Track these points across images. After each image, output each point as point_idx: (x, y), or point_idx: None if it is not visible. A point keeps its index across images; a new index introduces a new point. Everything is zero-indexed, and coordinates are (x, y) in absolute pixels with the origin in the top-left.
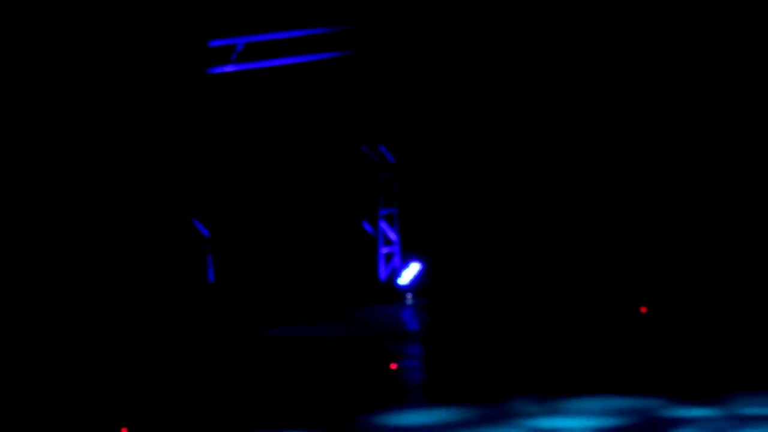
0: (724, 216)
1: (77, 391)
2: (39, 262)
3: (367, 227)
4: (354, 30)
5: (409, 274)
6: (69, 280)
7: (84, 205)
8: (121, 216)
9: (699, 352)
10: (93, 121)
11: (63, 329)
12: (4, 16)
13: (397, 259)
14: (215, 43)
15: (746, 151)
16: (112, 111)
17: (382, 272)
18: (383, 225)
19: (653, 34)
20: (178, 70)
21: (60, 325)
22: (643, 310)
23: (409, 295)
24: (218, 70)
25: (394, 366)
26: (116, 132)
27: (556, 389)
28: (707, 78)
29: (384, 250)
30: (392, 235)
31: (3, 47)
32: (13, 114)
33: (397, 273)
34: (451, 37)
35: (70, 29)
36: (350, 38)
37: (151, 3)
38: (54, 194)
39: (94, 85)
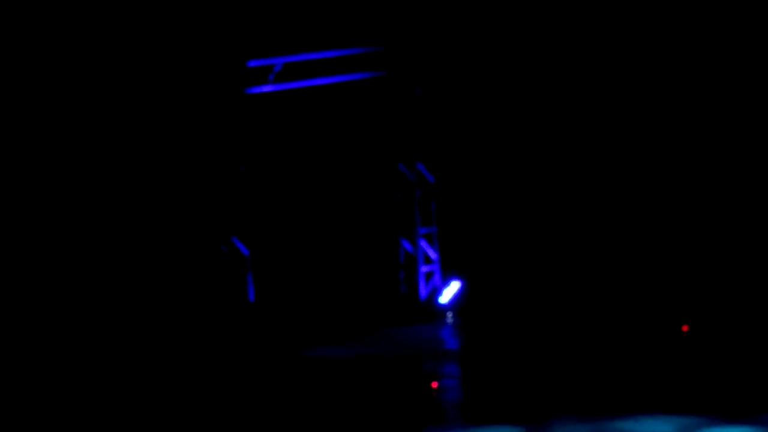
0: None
1: (117, 406)
2: (83, 282)
3: (407, 246)
4: (391, 50)
5: (449, 292)
6: (112, 300)
7: (126, 225)
8: (163, 235)
9: (738, 370)
10: (134, 142)
11: (106, 347)
12: (37, 47)
13: (437, 278)
14: (253, 63)
15: None
16: (152, 131)
17: (423, 291)
18: (423, 244)
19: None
20: (218, 90)
21: (103, 343)
22: (685, 329)
23: (449, 314)
24: (256, 90)
25: (434, 385)
26: (157, 152)
27: (597, 409)
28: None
29: (424, 269)
30: (432, 254)
31: (34, 76)
32: (53, 136)
33: (437, 292)
34: (488, 57)
35: (111, 48)
36: (387, 58)
37: (192, 24)
38: (96, 214)
39: (134, 105)
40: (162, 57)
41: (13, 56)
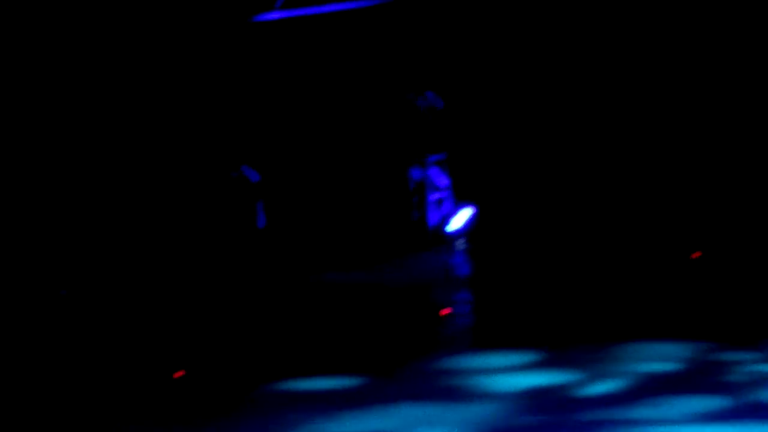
0: None
1: (129, 335)
2: (94, 210)
3: (417, 173)
4: None
5: (459, 220)
6: (121, 227)
7: (133, 152)
8: (172, 163)
9: (749, 295)
10: (139, 70)
11: (114, 274)
12: None
13: (447, 205)
14: None
15: None
16: (157, 61)
17: (433, 218)
18: (433, 170)
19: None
20: (223, 18)
21: (111, 271)
22: (696, 255)
23: (459, 241)
24: (263, 17)
25: (444, 311)
26: (163, 81)
27: (609, 335)
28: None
29: (434, 196)
30: (442, 181)
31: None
32: (70, 70)
33: (447, 218)
34: None
35: None
36: None
37: None
38: (104, 143)
39: (137, 36)
40: None
41: None
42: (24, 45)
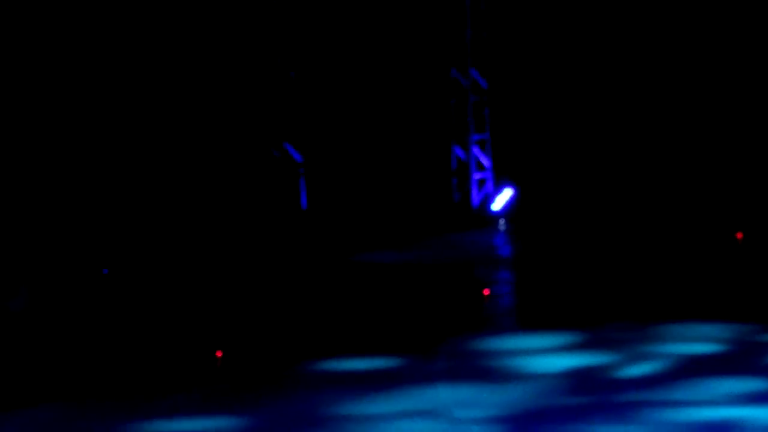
0: None
1: (171, 315)
2: (133, 189)
3: (460, 153)
4: None
5: (501, 199)
6: (166, 204)
7: (179, 131)
8: (216, 142)
9: None
10: (188, 50)
11: (156, 253)
12: None
13: (489, 185)
14: None
15: None
16: (204, 37)
17: (475, 198)
18: (476, 150)
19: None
20: None
21: (153, 250)
22: (739, 235)
23: (501, 221)
24: None
25: (486, 291)
26: (208, 58)
27: (650, 315)
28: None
29: (476, 176)
30: (485, 161)
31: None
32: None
33: (489, 199)
34: None
35: None
36: None
37: None
38: (152, 119)
39: (184, 15)
40: None
41: None
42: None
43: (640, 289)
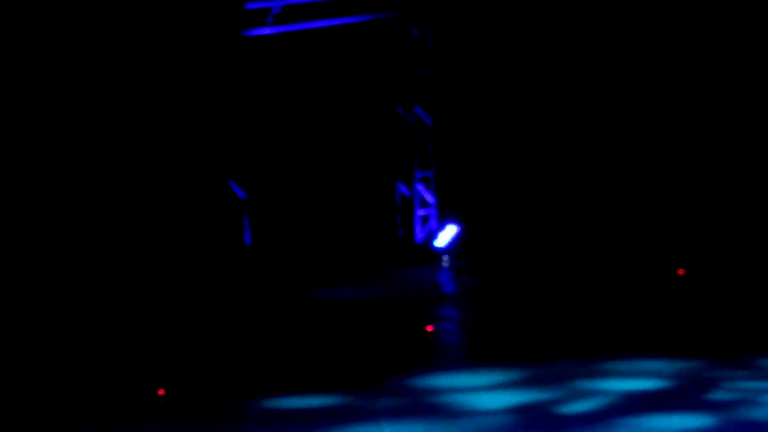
0: (757, 179)
1: (115, 353)
2: (75, 225)
3: (404, 189)
4: None
5: (445, 236)
6: (107, 241)
7: (121, 167)
8: (159, 178)
9: (735, 312)
10: (130, 85)
11: (99, 292)
12: None
13: (433, 221)
14: (251, 5)
15: None
16: (149, 74)
17: (419, 234)
18: (420, 187)
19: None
20: (215, 32)
21: (96, 288)
22: (681, 272)
23: (445, 257)
24: (254, 32)
25: (430, 328)
26: (153, 95)
27: (594, 351)
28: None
29: (420, 213)
30: (429, 198)
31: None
32: (48, 84)
33: (433, 235)
34: (487, 1)
35: None
36: (386, 0)
37: None
38: (92, 158)
39: (130, 48)
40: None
41: None
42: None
43: (585, 325)
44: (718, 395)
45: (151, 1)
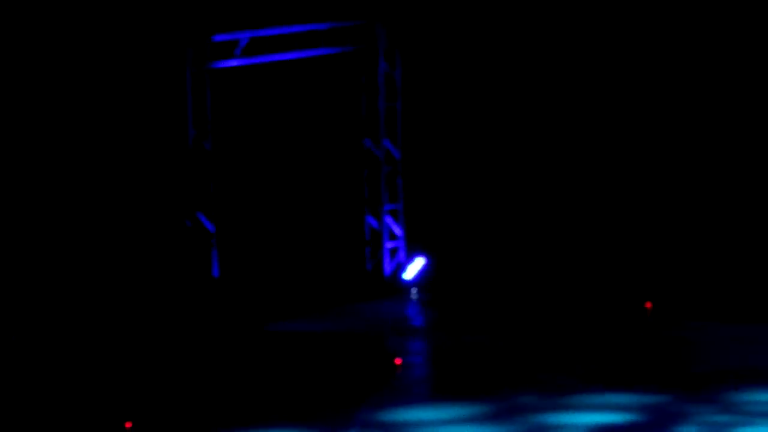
0: (724, 214)
1: (81, 386)
2: (42, 258)
3: (373, 222)
4: (358, 25)
5: (413, 269)
6: (73, 275)
7: (89, 201)
8: (127, 210)
9: (701, 346)
10: (96, 119)
11: (66, 324)
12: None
13: (402, 254)
14: (219, 37)
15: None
16: (115, 108)
17: (387, 267)
18: (388, 220)
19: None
20: (182, 64)
21: (62, 320)
22: (648, 305)
23: (413, 290)
24: (222, 64)
25: (398, 361)
26: (121, 128)
27: (560, 385)
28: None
29: (389, 245)
30: (397, 230)
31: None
32: (15, 115)
33: (401, 268)
34: (453, 36)
35: (72, 27)
36: (354, 33)
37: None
38: (60, 191)
39: (95, 82)
40: (124, 31)
41: None
42: None
43: (551, 359)
44: (685, 429)
45: (117, 34)
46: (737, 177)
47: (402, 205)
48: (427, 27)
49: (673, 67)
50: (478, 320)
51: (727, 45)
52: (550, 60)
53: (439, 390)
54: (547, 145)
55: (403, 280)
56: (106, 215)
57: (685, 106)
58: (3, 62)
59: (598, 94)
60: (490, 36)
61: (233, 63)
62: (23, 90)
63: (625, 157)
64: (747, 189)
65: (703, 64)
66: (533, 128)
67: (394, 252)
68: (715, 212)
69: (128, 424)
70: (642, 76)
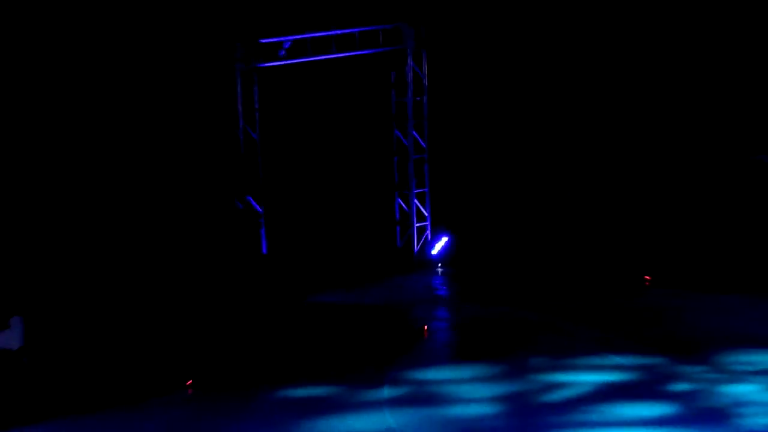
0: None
1: (149, 347)
2: (113, 236)
3: (403, 204)
4: (388, 29)
5: (439, 246)
6: (140, 250)
7: (157, 185)
8: (187, 195)
9: (694, 314)
10: (158, 114)
11: (136, 292)
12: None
13: (428, 233)
14: (266, 40)
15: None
16: (176, 103)
17: (416, 245)
18: (416, 203)
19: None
20: (233, 64)
21: (133, 288)
22: (647, 278)
23: (439, 265)
24: (268, 64)
25: (425, 328)
26: (180, 121)
27: (565, 349)
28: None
29: (417, 225)
30: (425, 212)
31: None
32: (92, 111)
33: (428, 245)
34: (475, 37)
35: (144, 32)
36: (385, 36)
37: (208, 5)
38: (132, 176)
39: (157, 80)
40: (186, 34)
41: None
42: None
43: (560, 326)
44: (680, 387)
45: (184, 37)
46: (728, 168)
47: (428, 189)
48: (451, 29)
49: (670, 71)
50: (496, 292)
51: (718, 42)
52: (562, 61)
53: (460, 353)
54: (556, 137)
55: (430, 256)
56: (170, 199)
57: (679, 106)
58: (94, 62)
59: (601, 90)
60: (507, 37)
61: (278, 62)
62: (102, 84)
63: (628, 153)
64: (730, 178)
65: (703, 64)
66: (545, 120)
67: (421, 231)
68: (701, 201)
69: (189, 382)
70: (637, 72)
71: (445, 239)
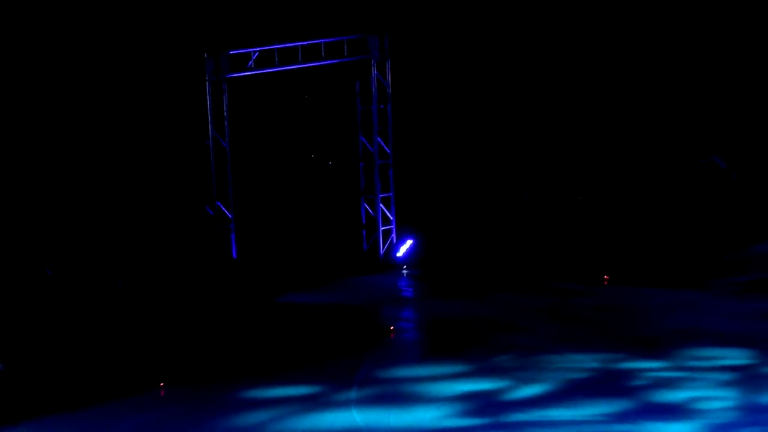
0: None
1: (121, 349)
2: (85, 240)
3: (369, 208)
4: (353, 39)
5: (404, 248)
6: (113, 254)
7: (127, 192)
8: (157, 201)
9: (657, 314)
10: (129, 122)
11: (108, 294)
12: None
13: (393, 236)
14: (234, 51)
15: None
16: (146, 112)
17: (381, 247)
18: (382, 206)
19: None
20: (203, 74)
21: (105, 290)
22: (606, 278)
23: (404, 267)
24: (237, 74)
25: (391, 328)
26: (150, 129)
27: (532, 345)
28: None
29: (382, 228)
30: (389, 216)
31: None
32: (62, 114)
33: (393, 247)
34: (437, 49)
35: (117, 43)
36: (350, 47)
37: (178, 18)
38: (104, 181)
39: (128, 91)
40: (157, 45)
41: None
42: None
43: (523, 325)
44: (637, 382)
45: (155, 48)
46: (682, 168)
47: (393, 193)
48: (414, 40)
49: (623, 76)
50: (460, 292)
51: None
52: (519, 67)
53: (427, 353)
54: (514, 140)
55: (396, 259)
56: (141, 205)
57: (634, 108)
58: (66, 72)
59: (555, 94)
60: (468, 46)
61: (246, 73)
62: (73, 94)
63: (585, 154)
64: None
65: (656, 67)
66: (503, 124)
67: (387, 234)
68: (657, 200)
69: (161, 384)
70: (594, 74)
71: (409, 242)
